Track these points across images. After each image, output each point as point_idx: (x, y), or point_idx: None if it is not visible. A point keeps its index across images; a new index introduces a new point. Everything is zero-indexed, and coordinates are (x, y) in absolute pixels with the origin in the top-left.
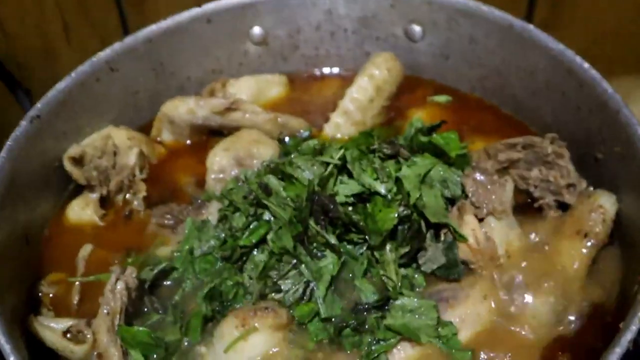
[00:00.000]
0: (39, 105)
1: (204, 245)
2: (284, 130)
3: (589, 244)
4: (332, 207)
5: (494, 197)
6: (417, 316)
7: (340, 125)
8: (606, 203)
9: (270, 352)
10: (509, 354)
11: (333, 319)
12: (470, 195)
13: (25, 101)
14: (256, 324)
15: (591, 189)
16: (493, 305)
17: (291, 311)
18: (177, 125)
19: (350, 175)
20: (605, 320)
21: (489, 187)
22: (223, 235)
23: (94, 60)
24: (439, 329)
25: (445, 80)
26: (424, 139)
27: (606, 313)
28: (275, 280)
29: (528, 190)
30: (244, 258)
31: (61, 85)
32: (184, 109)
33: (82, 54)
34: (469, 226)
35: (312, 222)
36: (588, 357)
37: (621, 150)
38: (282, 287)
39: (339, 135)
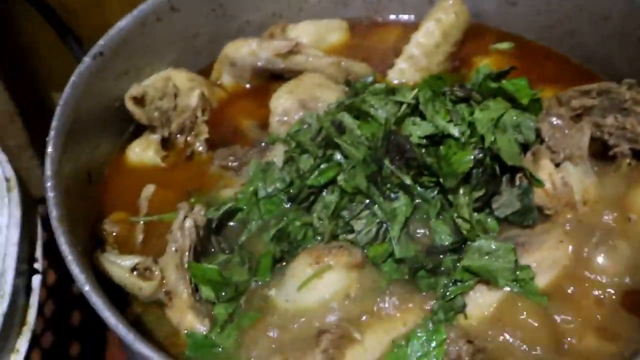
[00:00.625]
0: (101, 42)
1: (269, 187)
2: (347, 75)
3: None
4: (408, 147)
5: (571, 141)
6: (494, 259)
7: (405, 70)
8: None
9: (344, 291)
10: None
11: (407, 260)
12: (547, 139)
13: (76, 48)
14: (331, 262)
15: None
16: (570, 250)
17: (364, 251)
18: (238, 67)
19: (423, 117)
20: None
21: (566, 131)
22: (289, 177)
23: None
24: (517, 273)
25: (511, 28)
26: (493, 85)
27: None
28: (347, 220)
29: (602, 138)
30: (312, 199)
31: (122, 23)
32: (246, 51)
33: (133, 3)
34: (545, 170)
35: (387, 162)
36: None
37: None
38: (354, 228)
39: (403, 81)
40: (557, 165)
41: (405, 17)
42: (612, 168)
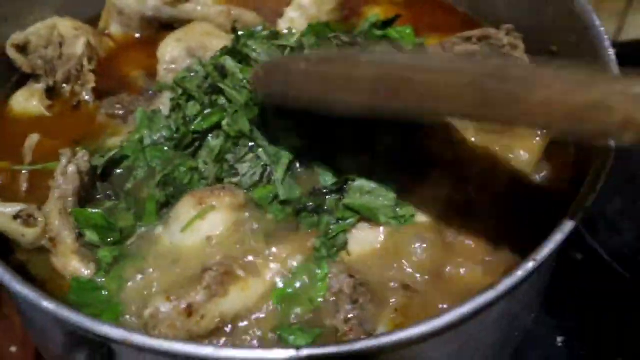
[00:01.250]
0: None
1: (154, 135)
2: (236, 25)
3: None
4: None
5: None
6: (374, 197)
7: (295, 19)
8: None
9: (227, 232)
10: None
11: (292, 202)
12: None
13: None
14: (214, 203)
15: None
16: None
17: (249, 193)
18: (126, 16)
19: None
20: None
21: None
22: (175, 125)
23: None
24: (397, 210)
25: None
26: (378, 32)
27: None
28: (232, 164)
29: None
30: (197, 144)
31: None
32: None
33: None
34: None
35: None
36: None
37: (576, 40)
38: (239, 171)
39: (293, 31)
40: None
41: None
42: None
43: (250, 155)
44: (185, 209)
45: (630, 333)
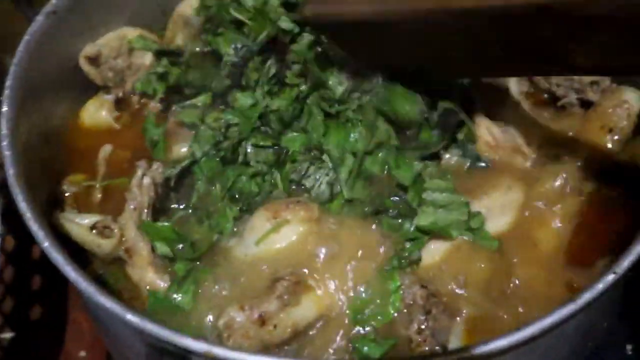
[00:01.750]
0: (54, 1)
1: (203, 147)
2: None
3: (615, 138)
4: None
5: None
6: (448, 212)
7: None
8: (631, 98)
9: (301, 244)
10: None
11: (361, 202)
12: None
13: (27, 8)
14: (289, 217)
15: (615, 85)
16: (519, 196)
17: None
18: (192, 26)
19: None
20: None
21: None
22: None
23: None
24: (470, 222)
25: None
26: None
27: None
28: (296, 180)
29: (550, 89)
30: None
31: None
32: (197, 4)
33: None
34: (482, 126)
35: None
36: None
37: None
38: (307, 186)
39: None
40: None
41: None
42: (563, 116)
43: (313, 167)
44: (260, 221)
45: None
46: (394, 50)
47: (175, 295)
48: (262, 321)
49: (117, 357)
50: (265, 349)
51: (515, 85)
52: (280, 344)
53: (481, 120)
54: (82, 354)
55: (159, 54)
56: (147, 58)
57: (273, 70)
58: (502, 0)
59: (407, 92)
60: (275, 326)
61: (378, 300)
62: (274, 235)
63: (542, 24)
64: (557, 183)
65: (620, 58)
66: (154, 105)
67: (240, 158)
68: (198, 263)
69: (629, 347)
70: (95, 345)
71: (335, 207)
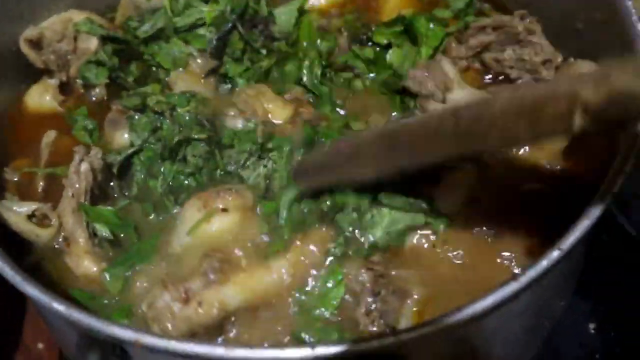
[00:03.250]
0: None
1: (140, 137)
2: None
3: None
4: None
5: (436, 75)
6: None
7: None
8: (588, 69)
9: (233, 233)
10: None
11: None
12: (418, 91)
13: None
14: (220, 205)
15: (572, 59)
16: None
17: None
18: (142, 10)
19: None
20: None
21: (425, 73)
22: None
23: None
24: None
25: None
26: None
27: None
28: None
29: (504, 72)
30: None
31: None
32: None
33: None
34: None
35: None
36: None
37: (601, 15)
38: (243, 177)
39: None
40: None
41: None
42: None
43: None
44: (190, 211)
45: None
46: None
47: (106, 278)
48: (186, 299)
49: (63, 348)
50: (193, 333)
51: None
52: (209, 326)
53: (429, 105)
54: (40, 346)
55: (105, 40)
56: (93, 43)
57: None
58: (527, 134)
59: None
60: (199, 303)
61: (321, 291)
62: (205, 225)
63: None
64: None
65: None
66: (98, 92)
67: (179, 155)
68: (133, 249)
69: (591, 325)
70: (52, 338)
71: (266, 210)
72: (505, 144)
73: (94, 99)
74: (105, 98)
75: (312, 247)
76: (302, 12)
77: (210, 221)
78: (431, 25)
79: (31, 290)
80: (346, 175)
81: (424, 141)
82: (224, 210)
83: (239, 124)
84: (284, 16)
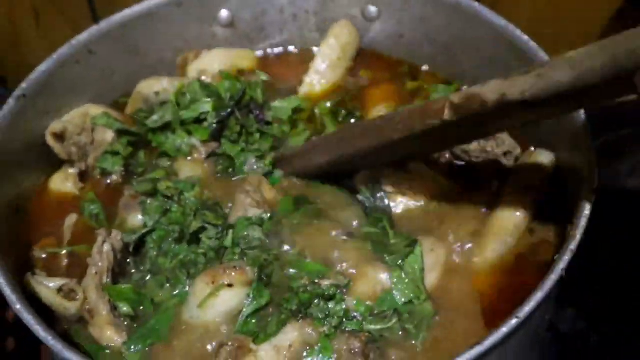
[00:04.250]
0: (24, 85)
1: (151, 220)
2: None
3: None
4: None
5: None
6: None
7: (314, 83)
8: (545, 160)
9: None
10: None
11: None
12: None
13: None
14: (225, 281)
15: (532, 149)
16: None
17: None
18: (151, 103)
19: None
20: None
21: None
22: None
23: (73, 44)
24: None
25: (400, 55)
26: None
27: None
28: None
29: (471, 162)
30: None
31: (43, 67)
32: (158, 88)
33: (51, 42)
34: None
35: None
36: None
37: None
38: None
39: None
40: None
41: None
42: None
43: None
44: (200, 287)
45: None
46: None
47: (126, 352)
48: None
49: None
50: None
51: None
52: None
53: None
54: None
55: (120, 133)
56: (109, 135)
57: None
58: (420, 125)
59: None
60: None
61: None
62: (214, 299)
63: (453, 129)
64: None
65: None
66: (115, 179)
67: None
68: (150, 323)
69: None
70: None
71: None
72: (406, 131)
73: (109, 183)
74: (121, 181)
75: (307, 330)
76: (296, 110)
77: (217, 295)
78: None
79: (70, 355)
80: (313, 161)
81: (360, 135)
82: (230, 285)
83: (250, 212)
84: (279, 109)
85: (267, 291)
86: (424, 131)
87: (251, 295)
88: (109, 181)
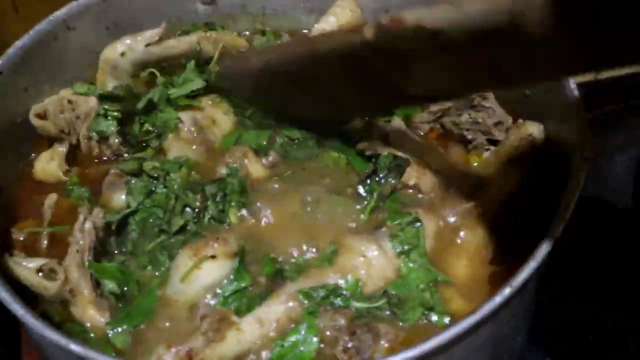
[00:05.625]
0: (0, 61)
1: (135, 200)
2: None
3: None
4: None
5: None
6: None
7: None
8: (535, 131)
9: (224, 278)
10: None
11: None
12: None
13: None
14: (209, 253)
15: (521, 121)
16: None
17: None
18: (120, 69)
19: None
20: None
21: None
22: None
23: (51, 19)
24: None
25: None
26: None
27: None
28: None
29: (461, 133)
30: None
31: (20, 42)
32: (123, 48)
33: (29, 20)
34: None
35: None
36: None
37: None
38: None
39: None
40: None
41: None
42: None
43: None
44: (182, 260)
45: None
46: (295, 101)
47: (111, 333)
48: (190, 357)
49: None
50: None
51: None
52: None
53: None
54: None
55: (103, 98)
56: (92, 101)
57: None
58: (342, 40)
59: None
60: None
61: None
62: (197, 272)
63: (374, 59)
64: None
65: (439, 85)
66: (114, 143)
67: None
68: (135, 303)
69: None
70: None
71: None
72: (330, 43)
73: (105, 159)
74: (121, 148)
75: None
76: None
77: (200, 267)
78: None
79: (49, 333)
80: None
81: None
82: (213, 257)
83: (224, 170)
84: None
85: (248, 275)
86: (345, 54)
87: (232, 277)
88: (108, 148)
